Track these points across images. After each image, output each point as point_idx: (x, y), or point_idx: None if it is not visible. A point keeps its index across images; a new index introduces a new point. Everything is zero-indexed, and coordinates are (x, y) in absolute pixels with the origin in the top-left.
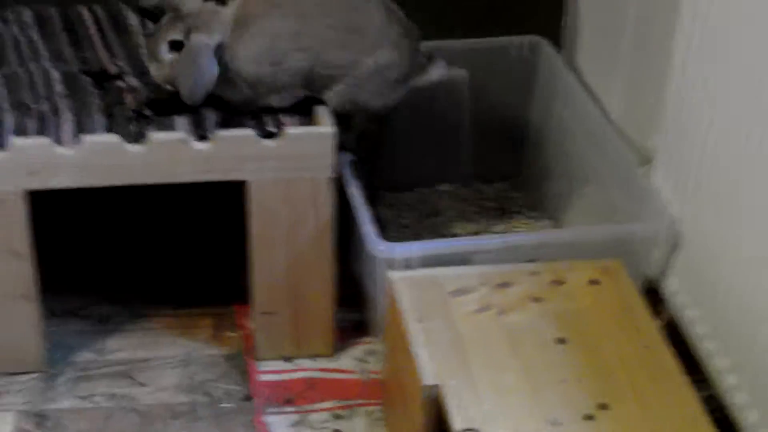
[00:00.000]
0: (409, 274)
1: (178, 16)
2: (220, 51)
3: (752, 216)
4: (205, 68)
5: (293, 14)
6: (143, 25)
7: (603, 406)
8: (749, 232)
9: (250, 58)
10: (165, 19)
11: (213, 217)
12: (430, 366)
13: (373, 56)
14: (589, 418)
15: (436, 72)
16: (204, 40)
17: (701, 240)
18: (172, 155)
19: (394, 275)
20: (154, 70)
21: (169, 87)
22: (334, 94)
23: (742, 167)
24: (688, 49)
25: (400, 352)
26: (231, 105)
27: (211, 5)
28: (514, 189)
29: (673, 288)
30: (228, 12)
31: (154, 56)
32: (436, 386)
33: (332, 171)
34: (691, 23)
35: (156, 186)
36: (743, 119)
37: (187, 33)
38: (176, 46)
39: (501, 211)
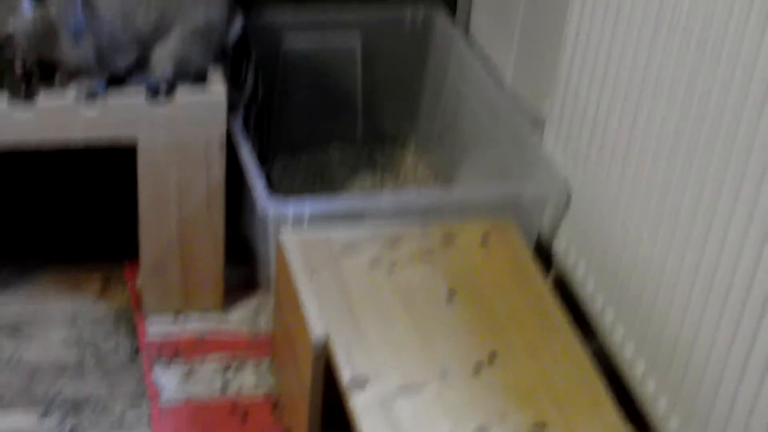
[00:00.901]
0: (300, 231)
1: None
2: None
3: (637, 177)
4: (81, 12)
5: None
6: None
7: (492, 358)
8: (634, 192)
9: (108, 11)
10: None
11: (105, 173)
12: (320, 319)
13: (206, 12)
14: (478, 368)
15: (234, 32)
16: None
17: (589, 200)
18: (61, 120)
19: (285, 233)
20: (13, 24)
21: (27, 44)
22: (165, 52)
23: (629, 131)
24: (581, 17)
25: (289, 306)
26: (64, 68)
27: None
28: (407, 153)
29: (563, 246)
30: None
31: (12, 9)
32: (325, 339)
33: (223, 134)
34: None
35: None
36: (632, 86)
37: None
38: None
39: (393, 173)
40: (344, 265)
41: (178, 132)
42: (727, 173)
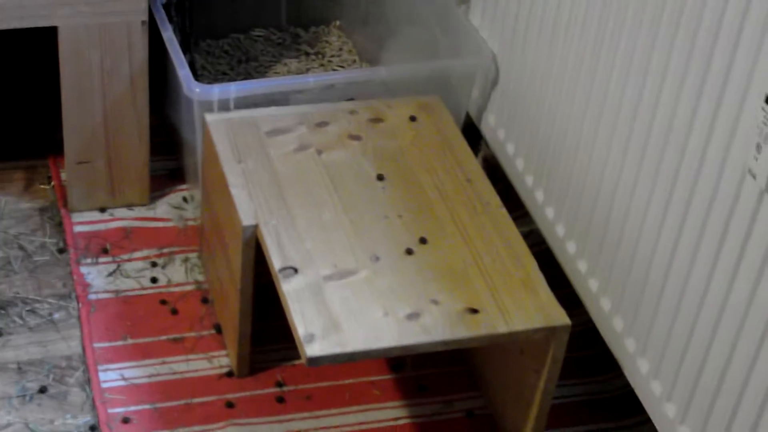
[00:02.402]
0: (226, 116)
1: None
2: None
3: (565, 52)
4: None
5: None
6: None
7: (423, 240)
8: (562, 67)
9: None
10: None
11: (25, 67)
12: (249, 206)
13: None
14: (410, 252)
15: None
16: None
17: (517, 76)
18: None
19: (211, 117)
20: None
21: None
22: None
23: (556, 4)
24: None
25: (217, 195)
26: None
27: None
28: (333, 35)
29: (492, 124)
30: None
31: None
32: (254, 226)
33: (145, 14)
34: None
35: None
36: None
37: None
38: None
39: (318, 56)
40: (272, 149)
41: (99, 13)
42: (655, 45)
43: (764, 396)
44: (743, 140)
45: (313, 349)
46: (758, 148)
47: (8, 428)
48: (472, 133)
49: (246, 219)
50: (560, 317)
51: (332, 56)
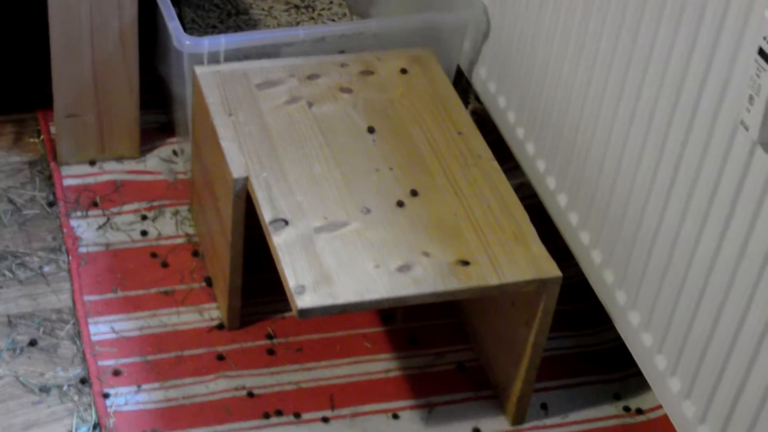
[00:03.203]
0: (216, 69)
1: None
2: None
3: (557, 3)
4: None
5: None
6: None
7: (414, 193)
8: (553, 21)
9: None
10: None
11: (13, 20)
12: (239, 159)
13: None
14: (401, 204)
15: None
16: None
17: (509, 29)
18: None
19: (201, 70)
20: None
21: None
22: None
23: None
24: None
25: (208, 148)
26: None
27: None
28: None
29: (483, 77)
30: None
31: None
32: (245, 179)
33: None
34: None
35: None
36: None
37: None
38: None
39: (308, 9)
40: (262, 102)
41: None
42: None
43: (755, 347)
44: (736, 92)
45: (303, 301)
46: (751, 99)
47: None
48: (464, 83)
49: (236, 171)
50: (551, 270)
51: (322, 9)
